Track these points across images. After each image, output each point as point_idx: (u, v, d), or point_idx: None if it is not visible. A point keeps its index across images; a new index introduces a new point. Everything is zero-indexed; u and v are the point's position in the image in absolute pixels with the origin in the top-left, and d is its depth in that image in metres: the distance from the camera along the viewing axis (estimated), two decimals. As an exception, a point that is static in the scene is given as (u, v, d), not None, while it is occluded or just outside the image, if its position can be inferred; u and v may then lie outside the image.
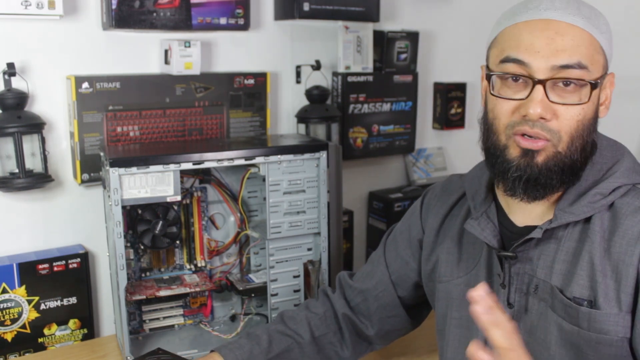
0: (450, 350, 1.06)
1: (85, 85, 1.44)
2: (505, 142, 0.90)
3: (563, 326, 0.89)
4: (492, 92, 0.92)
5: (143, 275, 1.51)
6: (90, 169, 1.48)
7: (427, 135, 2.13)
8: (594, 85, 0.86)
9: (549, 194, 0.91)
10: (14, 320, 1.42)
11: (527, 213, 0.96)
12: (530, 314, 0.94)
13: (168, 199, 1.34)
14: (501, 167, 0.91)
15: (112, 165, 1.27)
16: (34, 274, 1.42)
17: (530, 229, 0.94)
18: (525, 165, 0.88)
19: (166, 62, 1.54)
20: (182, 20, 1.52)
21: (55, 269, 1.44)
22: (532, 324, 0.94)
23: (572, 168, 0.89)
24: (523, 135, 0.88)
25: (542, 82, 0.85)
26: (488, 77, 0.93)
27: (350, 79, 1.82)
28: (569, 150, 0.88)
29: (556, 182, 0.89)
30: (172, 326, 1.54)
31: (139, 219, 1.43)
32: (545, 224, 0.92)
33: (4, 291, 1.40)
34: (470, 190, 1.05)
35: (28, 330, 1.44)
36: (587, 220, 0.90)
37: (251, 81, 1.65)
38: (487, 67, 0.95)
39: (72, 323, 1.49)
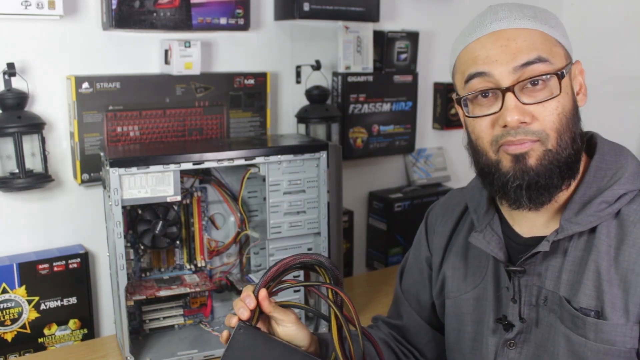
0: None
1: (85, 85, 1.44)
2: (495, 157, 0.90)
3: (570, 337, 0.88)
4: (466, 115, 0.92)
5: (143, 275, 1.51)
6: (90, 169, 1.48)
7: (427, 135, 2.13)
8: (560, 76, 0.86)
9: (554, 194, 0.89)
10: (14, 320, 1.42)
11: (531, 223, 0.95)
12: (541, 326, 0.93)
13: (168, 199, 1.34)
14: (499, 182, 0.90)
15: (112, 165, 1.27)
16: (34, 274, 1.42)
17: (536, 239, 0.93)
18: (521, 172, 0.88)
19: (166, 62, 1.54)
20: (182, 20, 1.52)
21: (55, 269, 1.44)
22: (543, 336, 0.93)
23: (567, 163, 0.88)
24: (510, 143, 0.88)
25: (510, 89, 0.86)
26: (459, 102, 0.93)
27: (350, 79, 1.82)
28: (559, 146, 0.87)
29: (557, 180, 0.88)
30: (172, 326, 1.54)
31: (139, 219, 1.43)
32: (551, 235, 0.90)
33: (4, 291, 1.40)
34: (472, 202, 1.04)
35: (28, 331, 1.44)
36: (593, 229, 0.89)
37: (251, 81, 1.65)
38: (457, 94, 0.96)
39: (72, 323, 1.49)
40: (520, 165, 0.88)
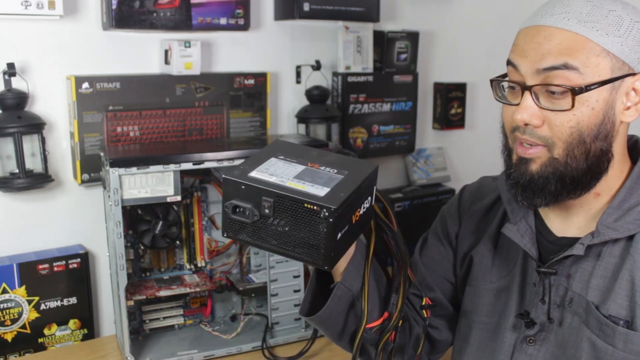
0: (471, 352, 1.05)
1: (85, 85, 1.44)
2: (511, 145, 0.92)
3: (596, 344, 0.87)
4: (495, 97, 0.92)
5: (143, 275, 1.51)
6: (90, 169, 1.47)
7: (427, 135, 2.13)
8: (575, 92, 0.82)
9: (555, 200, 0.89)
10: (14, 321, 1.42)
11: (565, 222, 0.95)
12: (563, 327, 0.92)
13: (168, 199, 1.34)
14: (506, 171, 0.93)
15: (112, 165, 1.27)
16: (34, 274, 1.42)
17: (568, 240, 0.92)
18: (521, 173, 0.89)
19: (166, 62, 1.54)
20: (182, 20, 1.52)
21: (55, 269, 1.44)
22: (564, 338, 0.92)
23: (574, 178, 0.86)
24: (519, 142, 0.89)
25: (529, 88, 0.85)
26: (491, 83, 0.93)
27: (350, 79, 1.82)
28: (567, 157, 0.86)
29: (556, 189, 0.87)
30: (172, 326, 1.54)
31: (139, 219, 1.43)
32: (586, 238, 0.89)
33: (4, 291, 1.39)
34: (506, 193, 1.02)
35: (28, 331, 1.44)
36: (631, 237, 0.87)
37: (251, 81, 1.65)
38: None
39: (72, 323, 1.49)
40: (523, 166, 0.89)
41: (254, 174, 0.79)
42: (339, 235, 0.77)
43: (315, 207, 0.74)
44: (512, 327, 0.97)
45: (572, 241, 0.91)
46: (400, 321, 0.95)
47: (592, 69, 0.83)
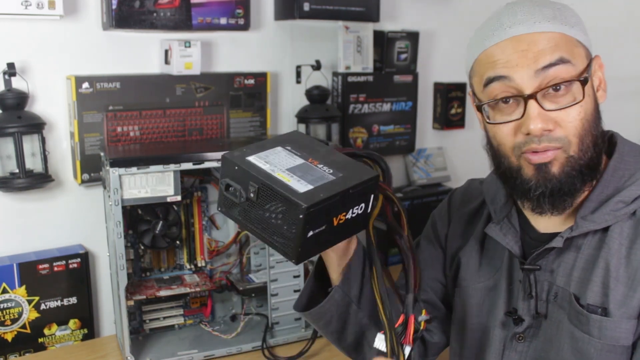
0: (464, 352, 1.05)
1: (85, 85, 1.44)
2: (517, 163, 0.89)
3: (575, 334, 0.88)
4: (487, 121, 0.91)
5: (143, 275, 1.51)
6: (90, 169, 1.48)
7: (427, 135, 2.13)
8: (583, 82, 0.84)
9: (577, 198, 0.89)
10: (14, 320, 1.42)
11: (548, 219, 0.95)
12: (550, 322, 0.93)
13: (168, 199, 1.34)
14: (521, 188, 0.90)
15: (112, 165, 1.27)
16: (34, 274, 1.42)
17: (551, 235, 0.93)
18: (544, 180, 0.87)
19: (166, 62, 1.54)
20: (182, 20, 1.52)
21: (55, 269, 1.44)
22: (551, 331, 0.93)
23: (588, 166, 0.88)
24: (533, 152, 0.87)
25: (533, 96, 0.84)
26: (479, 109, 0.91)
27: (350, 79, 1.82)
28: (581, 151, 0.86)
29: (579, 184, 0.88)
30: (172, 326, 1.54)
31: (139, 219, 1.43)
32: (565, 232, 0.90)
33: (4, 291, 1.40)
34: (489, 194, 1.04)
35: (28, 330, 1.44)
36: (607, 228, 0.89)
37: (251, 81, 1.65)
38: (474, 94, 0.94)
39: (72, 323, 1.49)
40: (543, 173, 0.87)
41: (251, 158, 0.84)
42: (310, 233, 0.78)
43: (291, 201, 0.76)
44: (501, 325, 0.98)
45: (555, 236, 0.92)
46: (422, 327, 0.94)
47: (578, 59, 0.87)
